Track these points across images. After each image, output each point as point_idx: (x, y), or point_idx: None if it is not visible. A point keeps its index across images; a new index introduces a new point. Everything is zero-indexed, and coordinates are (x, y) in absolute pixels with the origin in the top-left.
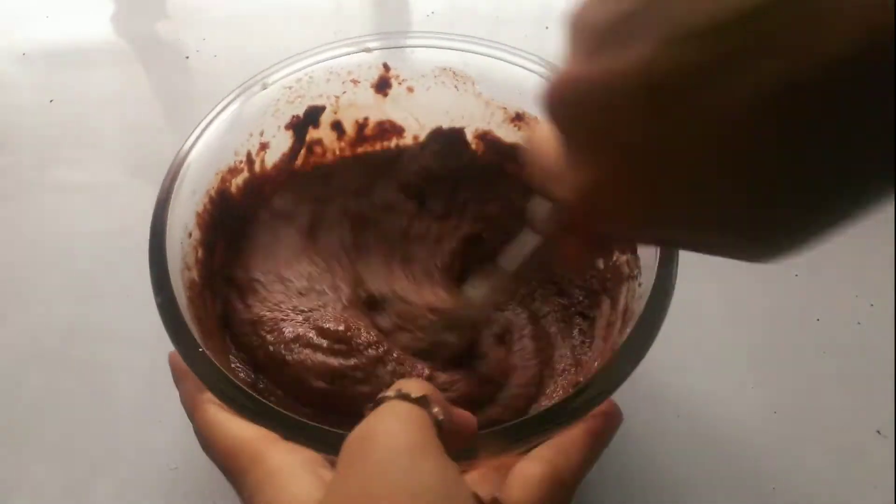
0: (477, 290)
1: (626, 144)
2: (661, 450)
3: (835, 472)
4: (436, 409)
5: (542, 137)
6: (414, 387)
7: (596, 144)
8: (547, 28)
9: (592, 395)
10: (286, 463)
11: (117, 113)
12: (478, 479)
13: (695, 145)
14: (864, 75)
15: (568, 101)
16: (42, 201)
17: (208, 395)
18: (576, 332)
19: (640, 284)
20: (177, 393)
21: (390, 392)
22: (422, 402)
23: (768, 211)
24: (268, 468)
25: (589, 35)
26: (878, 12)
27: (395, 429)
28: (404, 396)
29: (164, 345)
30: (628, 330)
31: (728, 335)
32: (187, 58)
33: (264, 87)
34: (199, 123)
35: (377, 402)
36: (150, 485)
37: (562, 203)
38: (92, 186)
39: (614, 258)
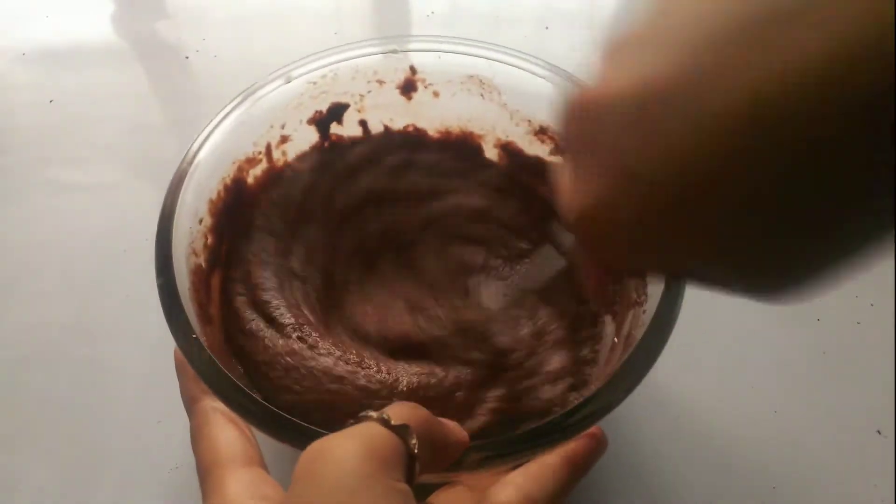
0: (496, 304)
1: (616, 164)
2: (659, 450)
3: (835, 472)
4: (413, 442)
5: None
6: (399, 413)
7: (591, 163)
8: (547, 28)
9: (583, 416)
10: (237, 496)
11: (117, 113)
12: (452, 500)
13: (684, 162)
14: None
15: (572, 118)
16: (42, 201)
17: (207, 397)
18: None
19: (644, 311)
20: (177, 392)
21: (374, 413)
22: (400, 430)
23: (770, 236)
24: (221, 499)
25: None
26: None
27: (352, 450)
28: (384, 421)
29: (165, 345)
30: (626, 356)
31: (727, 335)
32: (187, 58)
33: (288, 80)
34: (219, 112)
35: (358, 420)
36: (150, 485)
37: (566, 226)
38: (92, 186)
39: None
